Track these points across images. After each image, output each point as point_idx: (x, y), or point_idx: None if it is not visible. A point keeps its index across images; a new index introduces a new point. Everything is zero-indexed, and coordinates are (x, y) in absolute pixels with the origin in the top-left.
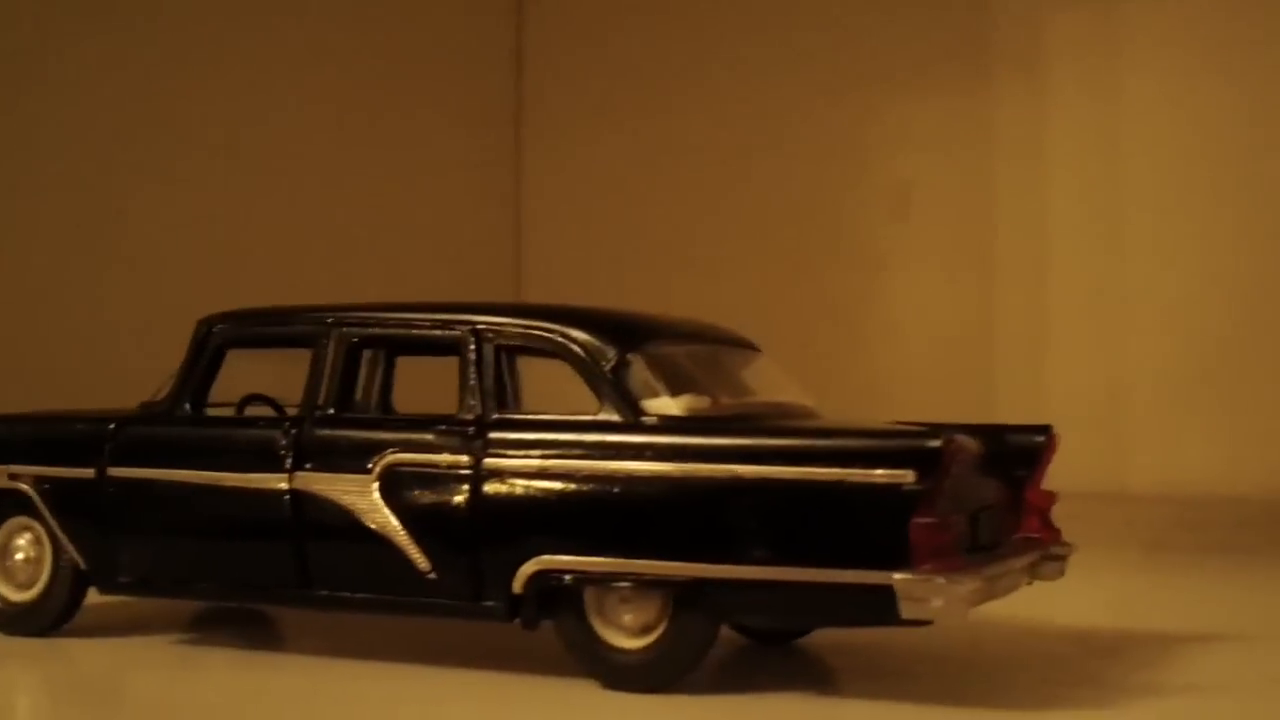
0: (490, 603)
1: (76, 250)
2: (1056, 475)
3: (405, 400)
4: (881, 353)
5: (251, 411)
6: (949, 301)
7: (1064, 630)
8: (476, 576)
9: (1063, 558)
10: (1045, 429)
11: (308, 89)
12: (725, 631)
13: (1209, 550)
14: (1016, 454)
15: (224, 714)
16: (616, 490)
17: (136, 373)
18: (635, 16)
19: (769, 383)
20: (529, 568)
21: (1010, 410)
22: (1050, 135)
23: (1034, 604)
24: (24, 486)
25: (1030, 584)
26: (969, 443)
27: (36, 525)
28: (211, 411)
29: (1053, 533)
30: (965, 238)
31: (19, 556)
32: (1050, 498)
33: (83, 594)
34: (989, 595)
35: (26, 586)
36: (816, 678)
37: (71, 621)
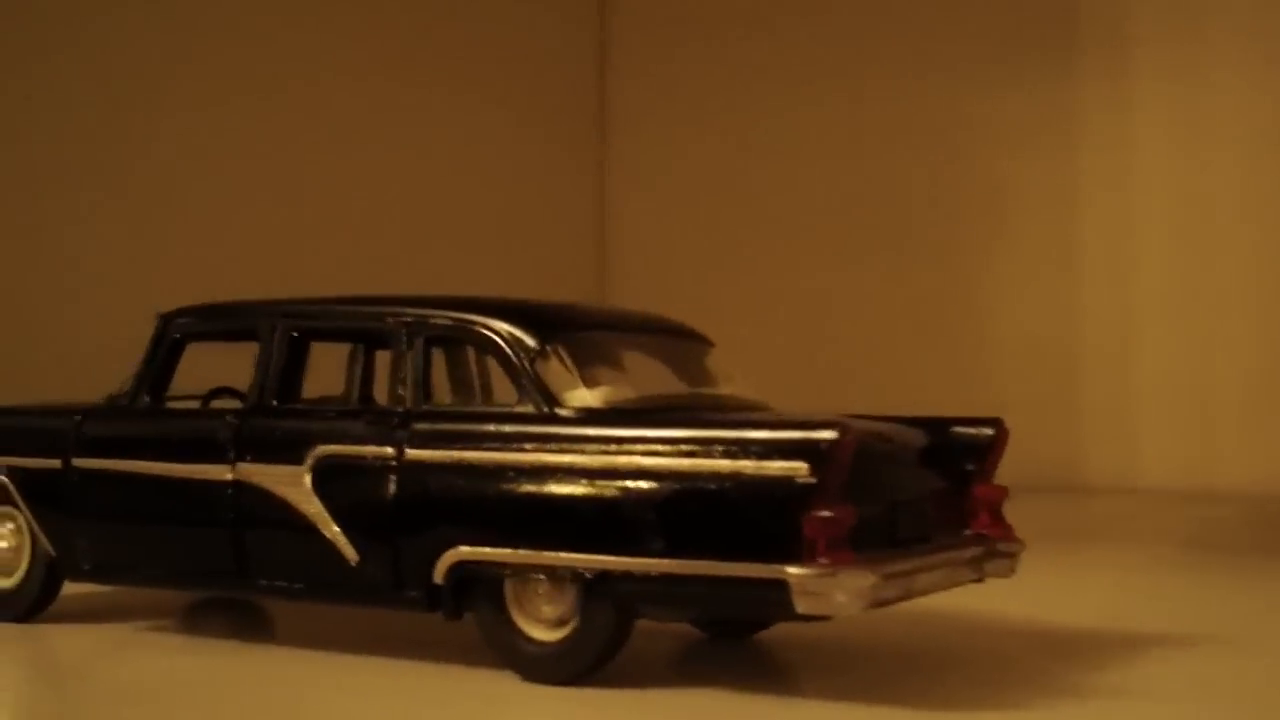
0: (412, 593)
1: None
2: (1145, 472)
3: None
4: (966, 349)
5: (218, 404)
6: (1034, 297)
7: (1033, 629)
8: (399, 567)
9: (1012, 555)
10: (995, 422)
11: (391, 88)
12: (678, 625)
13: (1260, 551)
14: (962, 447)
15: (189, 698)
16: (529, 482)
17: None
18: (717, 14)
19: (711, 376)
20: (448, 558)
21: (1096, 408)
22: (1136, 126)
23: (1018, 601)
24: (0, 476)
25: (979, 581)
26: (879, 433)
27: (18, 514)
28: (177, 404)
29: (1003, 529)
30: (1050, 232)
31: (2, 544)
32: (1001, 493)
33: (59, 582)
34: (904, 591)
35: (8, 573)
36: (761, 672)
37: (50, 607)
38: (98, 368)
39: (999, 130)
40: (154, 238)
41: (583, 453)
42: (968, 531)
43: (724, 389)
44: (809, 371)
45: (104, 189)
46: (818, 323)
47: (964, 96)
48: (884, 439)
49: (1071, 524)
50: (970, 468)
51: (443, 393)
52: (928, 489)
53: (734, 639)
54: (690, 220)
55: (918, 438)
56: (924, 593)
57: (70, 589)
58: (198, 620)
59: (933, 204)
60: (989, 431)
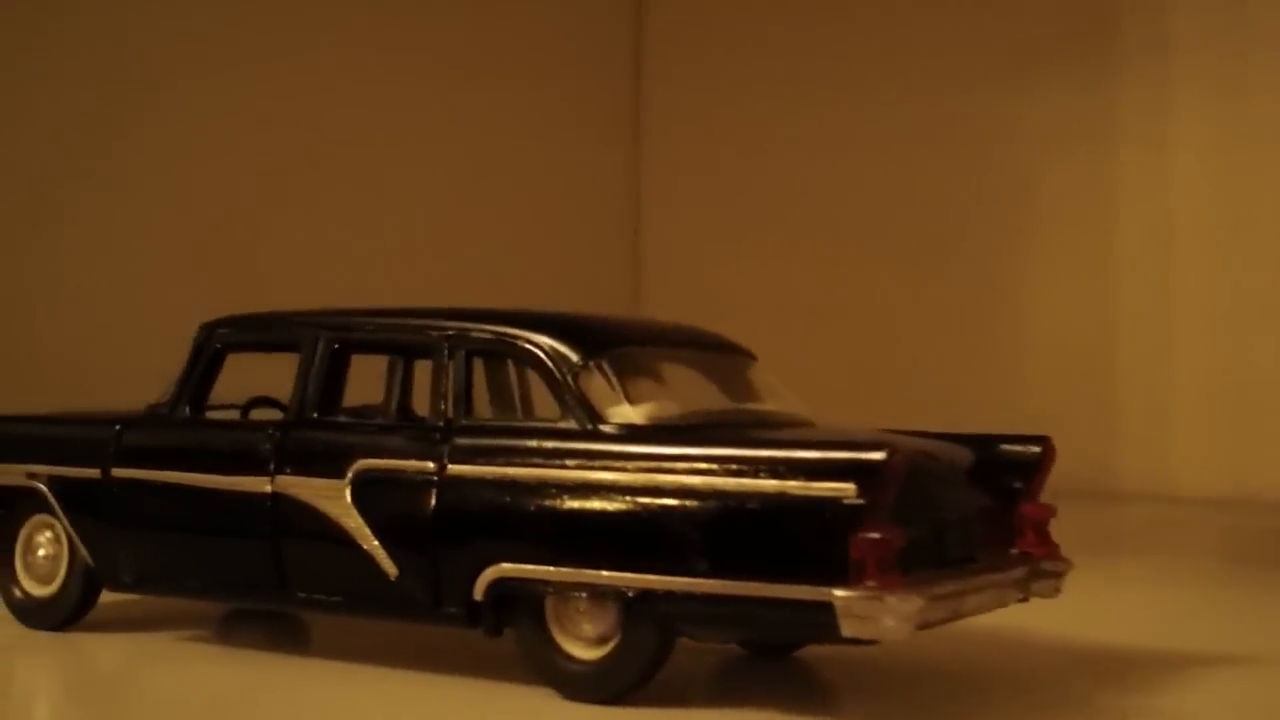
0: (452, 609)
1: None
2: (1182, 480)
3: None
4: (1001, 355)
5: (258, 414)
6: (1070, 302)
7: (1075, 647)
8: (439, 582)
9: (1059, 574)
10: (1042, 439)
11: (422, 90)
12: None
13: None
14: (1009, 465)
15: (222, 711)
16: (571, 499)
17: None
18: (754, 15)
19: (757, 391)
20: (488, 575)
21: (1132, 414)
22: (1175, 131)
23: (1058, 618)
24: (40, 485)
25: (1025, 600)
26: (927, 451)
27: (56, 523)
28: (217, 414)
29: (1049, 548)
30: (1087, 237)
31: (40, 553)
32: (1047, 511)
33: (97, 591)
34: (951, 613)
35: (47, 582)
36: (805, 692)
37: (88, 616)
38: (138, 376)
39: (1037, 135)
40: (184, 246)
41: (625, 470)
42: (1014, 550)
43: (769, 405)
44: (842, 379)
45: (139, 196)
46: (852, 329)
47: (1001, 101)
48: (931, 457)
49: (1108, 533)
50: (1017, 486)
51: (484, 407)
52: (974, 508)
53: (775, 657)
54: (725, 225)
55: (964, 455)
56: (971, 614)
57: (107, 597)
58: (234, 631)
59: (969, 209)
60: (1036, 449)
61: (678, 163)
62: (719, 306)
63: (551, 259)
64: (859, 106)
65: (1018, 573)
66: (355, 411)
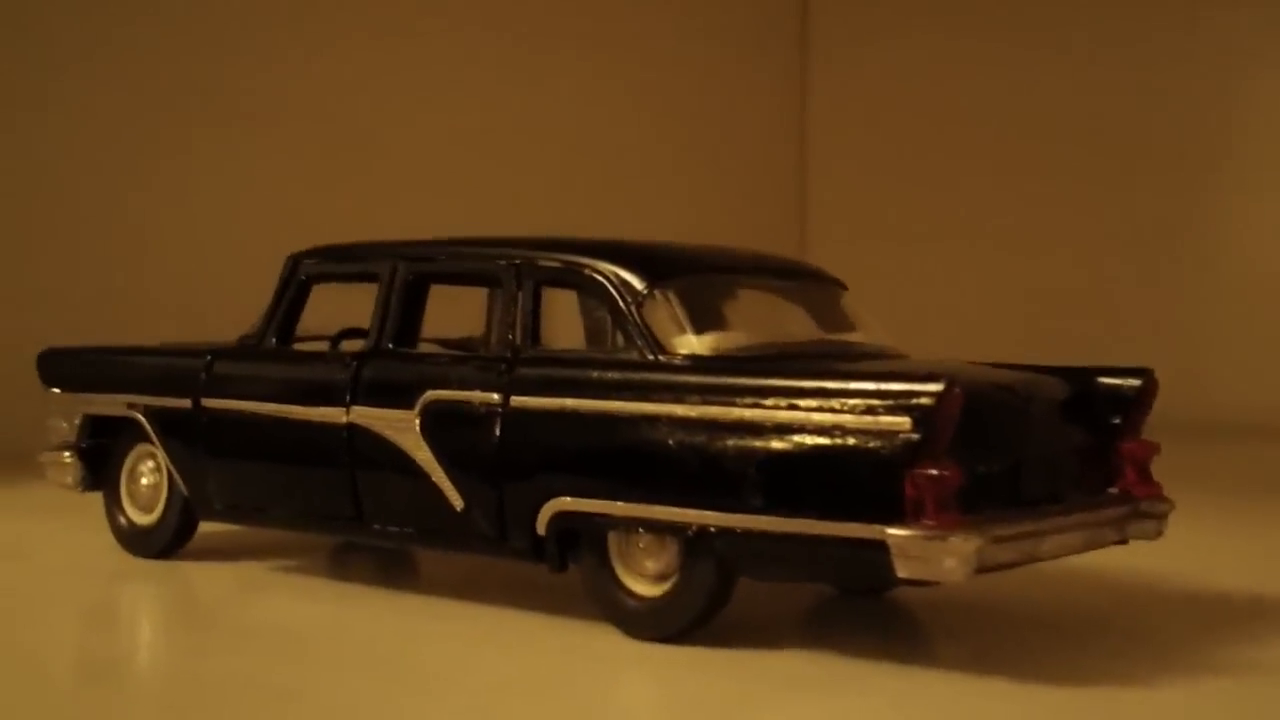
0: (517, 543)
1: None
2: None
3: None
4: (1189, 283)
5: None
6: (1261, 223)
7: (1185, 595)
8: (504, 516)
9: (1159, 516)
10: (1143, 372)
11: (580, 13)
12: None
13: None
14: (1107, 399)
15: (308, 641)
16: (631, 432)
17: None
18: None
19: (842, 321)
20: (550, 509)
21: None
22: None
23: (1209, 564)
24: (138, 415)
25: (1123, 543)
26: (1003, 384)
27: (157, 452)
28: (306, 344)
29: (1151, 487)
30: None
31: (143, 481)
32: (1150, 448)
33: (195, 519)
34: (1023, 555)
35: (149, 510)
36: (880, 633)
37: (191, 545)
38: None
39: (1227, 44)
40: (329, 176)
41: (685, 402)
42: (1113, 490)
43: (855, 335)
44: (1019, 310)
45: (254, 126)
46: (1028, 259)
47: (1189, 6)
48: (1008, 391)
49: None
50: (1116, 421)
51: (560, 338)
52: (1064, 444)
53: (866, 597)
54: (894, 151)
55: (1054, 389)
56: (1054, 555)
57: (214, 528)
58: (341, 562)
59: (1154, 124)
60: (1136, 382)
61: (847, 84)
62: (887, 238)
63: (714, 189)
64: (1036, 16)
65: (1112, 513)
66: (459, 344)
